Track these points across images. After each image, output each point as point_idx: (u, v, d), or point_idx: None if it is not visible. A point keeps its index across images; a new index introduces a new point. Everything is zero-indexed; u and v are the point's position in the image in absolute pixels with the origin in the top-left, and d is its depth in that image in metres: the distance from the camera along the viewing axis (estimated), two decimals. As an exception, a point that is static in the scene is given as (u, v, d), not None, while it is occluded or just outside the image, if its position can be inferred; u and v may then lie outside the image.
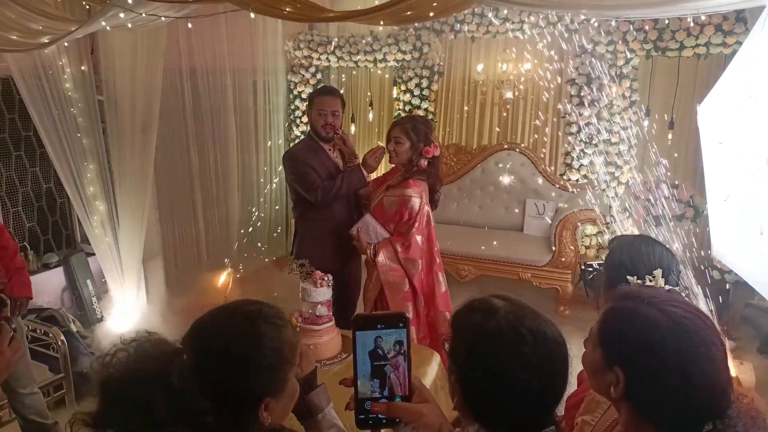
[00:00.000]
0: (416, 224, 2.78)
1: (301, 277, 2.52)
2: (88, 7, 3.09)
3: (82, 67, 3.46)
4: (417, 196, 2.78)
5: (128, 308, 3.91)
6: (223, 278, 4.69)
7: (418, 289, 2.85)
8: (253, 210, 5.24)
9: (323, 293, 2.45)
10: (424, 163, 2.80)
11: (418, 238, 2.81)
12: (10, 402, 2.72)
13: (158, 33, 3.46)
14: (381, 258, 2.81)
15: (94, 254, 3.81)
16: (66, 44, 3.01)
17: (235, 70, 4.82)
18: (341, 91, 4.45)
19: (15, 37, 2.46)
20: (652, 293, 1.03)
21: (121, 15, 2.11)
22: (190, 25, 2.63)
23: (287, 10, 2.36)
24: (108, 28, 2.43)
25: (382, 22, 2.53)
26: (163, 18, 2.47)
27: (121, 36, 3.38)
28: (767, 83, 1.28)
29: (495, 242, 4.44)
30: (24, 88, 3.22)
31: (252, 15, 2.13)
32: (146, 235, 3.90)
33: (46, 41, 2.50)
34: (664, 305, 0.98)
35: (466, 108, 5.37)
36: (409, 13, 2.42)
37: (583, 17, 4.42)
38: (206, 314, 1.05)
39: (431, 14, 2.47)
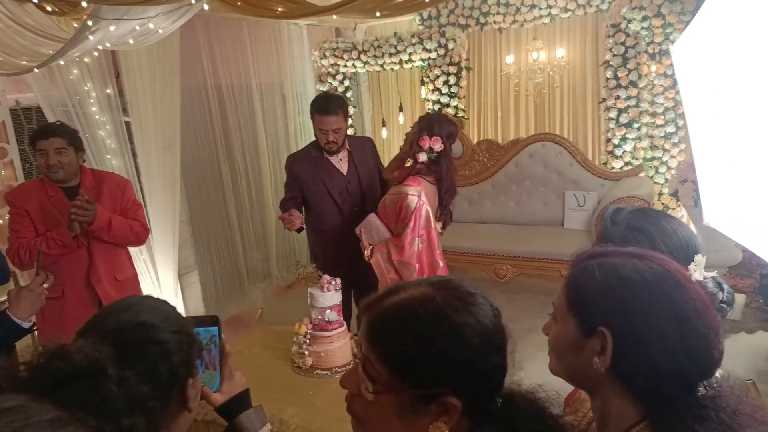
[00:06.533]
0: (411, 224, 2.58)
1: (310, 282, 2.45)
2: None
3: (108, 90, 3.57)
4: (414, 194, 2.58)
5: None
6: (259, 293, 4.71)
7: None
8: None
9: (331, 297, 2.36)
10: (421, 156, 2.64)
11: (415, 239, 2.60)
12: None
13: (172, 51, 3.53)
14: (376, 259, 2.67)
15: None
16: (87, 60, 3.09)
17: (262, 85, 4.86)
18: (350, 99, 4.37)
19: (24, 62, 2.55)
20: (617, 248, 0.88)
21: (111, 28, 2.13)
22: (176, 26, 2.60)
23: (279, 9, 2.32)
24: (108, 45, 2.46)
25: (378, 14, 2.44)
26: (160, 30, 2.48)
27: (139, 57, 3.48)
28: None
29: (534, 239, 4.22)
30: (51, 115, 3.34)
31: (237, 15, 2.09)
32: (180, 250, 3.97)
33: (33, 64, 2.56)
34: (635, 255, 0.85)
35: (498, 102, 5.19)
36: (401, -1, 2.32)
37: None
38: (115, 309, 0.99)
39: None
